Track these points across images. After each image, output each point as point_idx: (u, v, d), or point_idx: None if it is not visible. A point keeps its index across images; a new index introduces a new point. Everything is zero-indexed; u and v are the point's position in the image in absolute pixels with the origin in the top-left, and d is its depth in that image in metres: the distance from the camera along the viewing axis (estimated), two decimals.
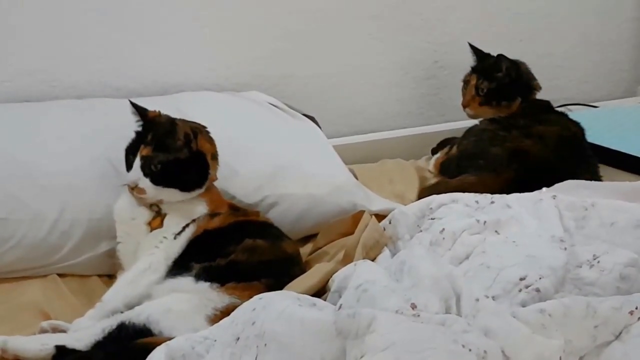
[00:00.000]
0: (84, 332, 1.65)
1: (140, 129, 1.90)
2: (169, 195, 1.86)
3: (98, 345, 1.61)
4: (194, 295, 1.71)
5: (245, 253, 1.80)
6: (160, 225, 1.87)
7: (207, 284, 1.73)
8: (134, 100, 2.32)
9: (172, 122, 1.88)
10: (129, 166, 1.86)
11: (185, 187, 1.87)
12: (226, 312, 1.63)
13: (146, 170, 1.83)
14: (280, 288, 1.72)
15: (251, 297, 1.57)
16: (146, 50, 2.49)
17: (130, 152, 1.87)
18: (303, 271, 1.88)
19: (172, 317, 1.65)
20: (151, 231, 1.87)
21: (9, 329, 1.71)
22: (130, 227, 1.90)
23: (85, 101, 2.29)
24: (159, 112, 1.92)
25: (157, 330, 1.63)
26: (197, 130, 1.90)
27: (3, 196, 1.94)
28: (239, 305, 1.57)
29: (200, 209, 1.90)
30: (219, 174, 2.01)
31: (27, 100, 2.30)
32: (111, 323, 1.64)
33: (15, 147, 2.02)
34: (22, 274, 1.97)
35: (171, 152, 1.84)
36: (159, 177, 1.83)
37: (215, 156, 1.93)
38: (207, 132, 1.95)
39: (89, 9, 2.38)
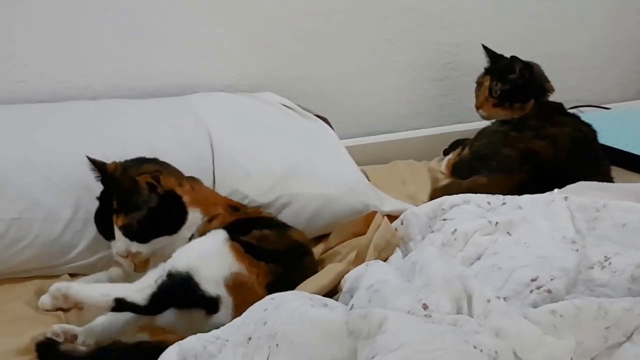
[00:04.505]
0: (141, 283, 1.65)
1: (102, 187, 1.89)
2: (161, 243, 1.84)
3: (154, 298, 1.62)
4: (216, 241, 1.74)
5: (254, 239, 1.80)
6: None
7: (222, 231, 1.75)
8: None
9: (131, 179, 1.83)
10: (107, 236, 1.85)
11: (173, 228, 1.85)
12: (235, 280, 1.67)
13: (131, 236, 1.82)
14: (291, 277, 1.74)
15: (258, 277, 1.65)
16: (160, 51, 2.50)
17: (101, 221, 1.87)
18: (314, 262, 1.90)
19: (206, 263, 1.67)
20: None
21: (21, 327, 1.73)
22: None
23: (99, 102, 2.31)
24: (116, 164, 1.89)
25: (197, 278, 1.65)
26: (157, 172, 1.87)
27: (17, 196, 1.95)
28: (245, 279, 1.63)
29: (197, 218, 1.88)
30: (233, 174, 2.02)
31: (42, 100, 2.31)
32: (161, 274, 1.65)
33: (29, 147, 2.04)
34: (35, 273, 1.98)
35: (143, 207, 1.82)
36: (144, 235, 1.82)
37: (181, 183, 1.90)
38: (165, 166, 1.93)
39: (103, 10, 2.39)
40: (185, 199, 1.87)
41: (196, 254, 1.69)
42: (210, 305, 1.66)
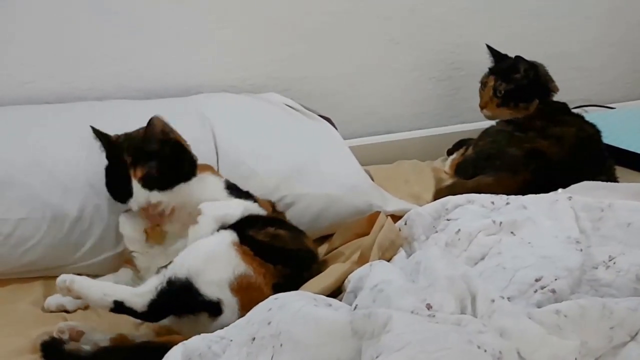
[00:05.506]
0: (142, 289, 1.66)
1: (107, 158, 1.91)
2: (178, 193, 1.87)
3: (153, 305, 1.63)
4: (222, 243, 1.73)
5: (267, 237, 1.81)
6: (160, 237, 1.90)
7: (229, 232, 1.75)
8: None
9: (144, 131, 1.87)
10: (124, 196, 1.86)
11: (187, 175, 1.88)
12: (241, 282, 1.67)
13: (150, 185, 1.84)
14: (297, 280, 1.74)
15: (265, 277, 1.66)
16: (165, 52, 2.51)
17: (115, 185, 1.89)
18: (319, 270, 1.89)
19: (209, 267, 1.67)
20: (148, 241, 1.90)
21: (27, 327, 1.74)
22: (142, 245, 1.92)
23: (105, 102, 2.31)
24: (118, 135, 1.92)
25: (197, 283, 1.65)
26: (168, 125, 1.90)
27: (24, 196, 1.95)
28: (252, 279, 1.64)
29: (213, 182, 1.93)
30: (238, 174, 2.03)
31: (48, 101, 2.32)
32: (161, 280, 1.66)
33: (35, 148, 2.04)
34: (41, 273, 1.99)
35: (158, 155, 1.85)
36: (163, 182, 1.85)
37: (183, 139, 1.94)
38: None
39: (108, 12, 2.40)
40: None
41: (199, 258, 1.69)
42: (213, 308, 1.66)
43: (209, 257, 1.69)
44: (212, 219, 1.81)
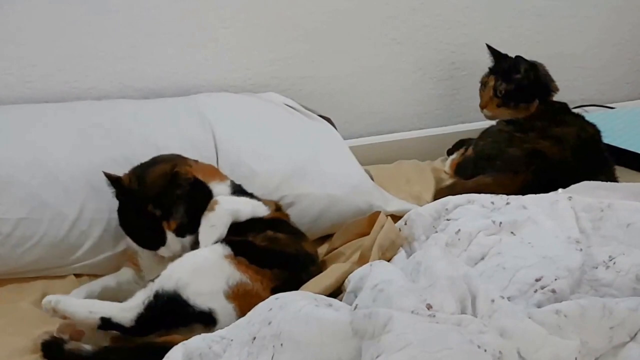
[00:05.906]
0: (129, 303, 1.66)
1: (121, 203, 1.88)
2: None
3: (141, 320, 1.63)
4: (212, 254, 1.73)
5: (265, 241, 1.81)
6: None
7: (221, 246, 1.75)
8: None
9: (163, 175, 1.83)
10: (156, 245, 1.84)
11: (206, 205, 1.85)
12: (237, 291, 1.67)
13: (184, 232, 1.83)
14: (296, 282, 1.74)
15: (262, 283, 1.66)
16: (165, 52, 2.51)
17: (146, 236, 1.85)
18: (320, 271, 1.89)
19: (198, 278, 1.67)
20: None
21: (28, 327, 1.74)
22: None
23: (105, 102, 2.31)
24: (128, 175, 1.88)
25: (185, 295, 1.64)
26: (176, 165, 1.86)
27: (24, 196, 1.95)
28: (249, 288, 1.65)
29: (222, 189, 1.91)
30: (238, 174, 2.03)
31: (49, 101, 2.32)
32: (148, 294, 1.65)
33: (36, 147, 2.04)
34: (42, 273, 1.99)
35: (184, 200, 1.83)
36: (194, 225, 1.83)
37: (191, 165, 1.92)
38: (171, 158, 1.94)
39: (110, 11, 2.40)
40: (201, 178, 1.90)
41: (187, 270, 1.68)
42: (205, 319, 1.65)
43: (197, 268, 1.69)
44: (228, 211, 1.82)
